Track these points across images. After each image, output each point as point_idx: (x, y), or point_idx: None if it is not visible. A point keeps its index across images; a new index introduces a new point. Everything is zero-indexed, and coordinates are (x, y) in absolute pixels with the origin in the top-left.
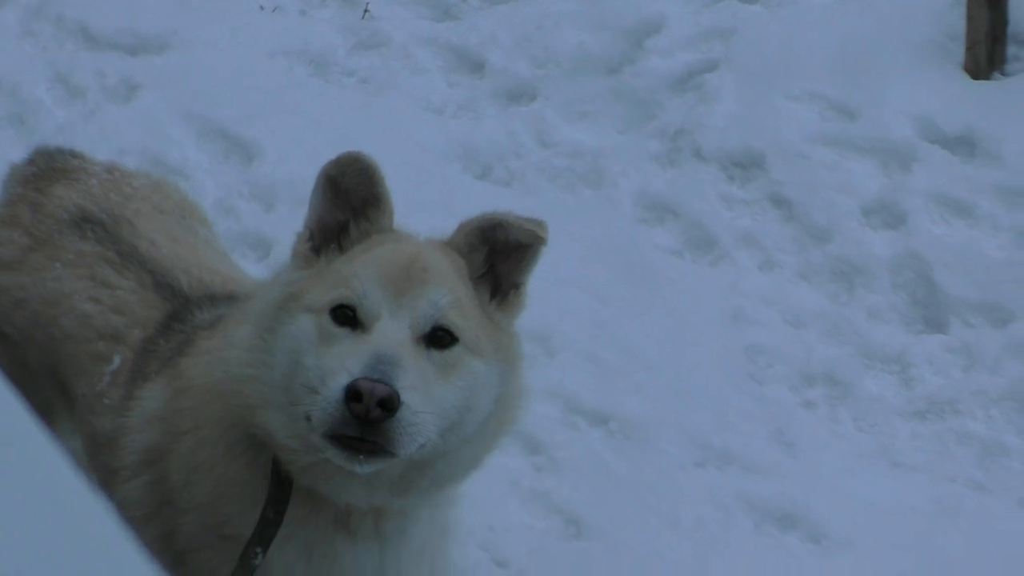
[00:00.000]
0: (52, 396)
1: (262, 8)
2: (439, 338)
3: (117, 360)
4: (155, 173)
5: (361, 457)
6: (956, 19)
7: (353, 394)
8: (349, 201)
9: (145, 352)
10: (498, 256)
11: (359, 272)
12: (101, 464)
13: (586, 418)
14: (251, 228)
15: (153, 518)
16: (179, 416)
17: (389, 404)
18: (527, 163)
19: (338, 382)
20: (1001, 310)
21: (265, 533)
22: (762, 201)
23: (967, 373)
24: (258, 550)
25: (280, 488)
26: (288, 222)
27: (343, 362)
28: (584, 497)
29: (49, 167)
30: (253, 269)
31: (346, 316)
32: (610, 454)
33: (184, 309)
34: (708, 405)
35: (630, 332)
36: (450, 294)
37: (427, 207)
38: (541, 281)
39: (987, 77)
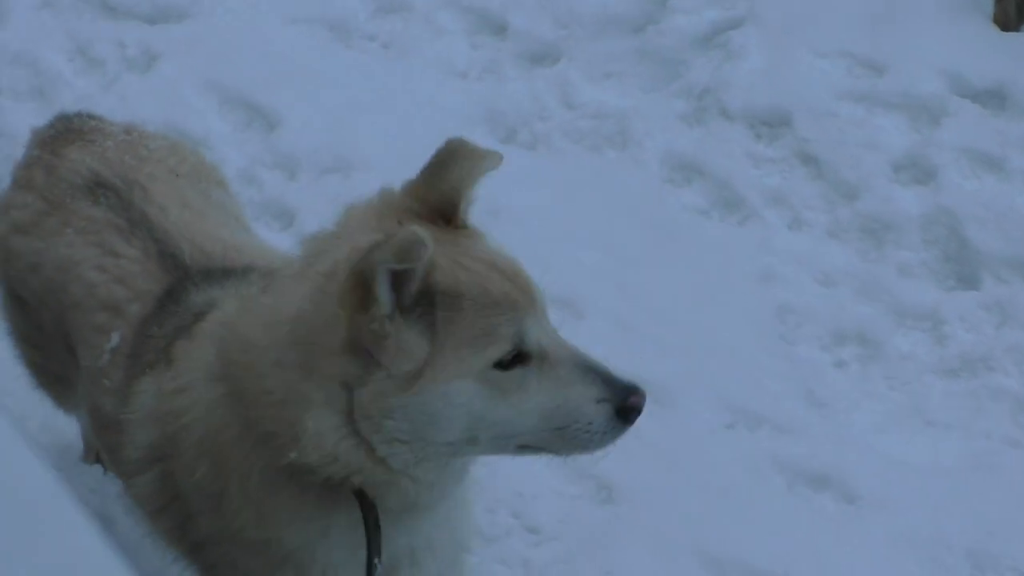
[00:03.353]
0: (68, 361)
1: None
2: None
3: (116, 338)
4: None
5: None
6: None
7: (635, 412)
8: (411, 277)
9: (141, 336)
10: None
11: (484, 311)
12: (107, 443)
13: None
14: (274, 197)
15: (165, 511)
16: (172, 418)
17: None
18: (552, 125)
19: (600, 410)
20: None
21: (374, 542)
22: (790, 159)
23: (1000, 329)
24: (377, 561)
25: (365, 505)
26: (311, 190)
27: (581, 392)
28: (614, 462)
29: (66, 128)
30: (277, 239)
31: (512, 357)
32: (640, 418)
33: (179, 286)
34: (738, 366)
35: (658, 294)
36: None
37: None
38: (567, 244)
39: (1016, 29)
